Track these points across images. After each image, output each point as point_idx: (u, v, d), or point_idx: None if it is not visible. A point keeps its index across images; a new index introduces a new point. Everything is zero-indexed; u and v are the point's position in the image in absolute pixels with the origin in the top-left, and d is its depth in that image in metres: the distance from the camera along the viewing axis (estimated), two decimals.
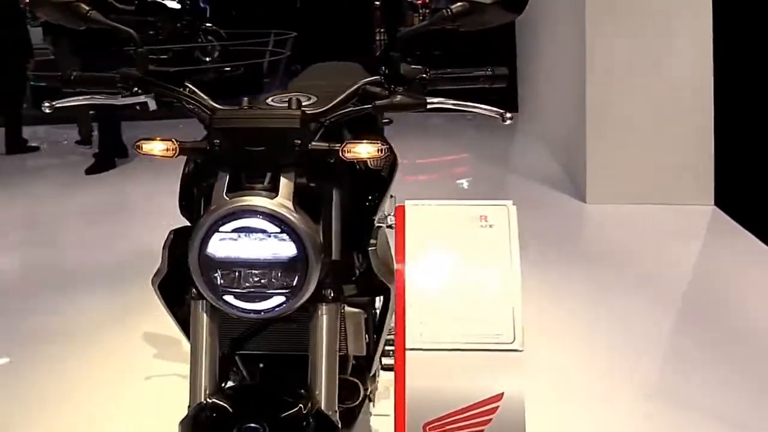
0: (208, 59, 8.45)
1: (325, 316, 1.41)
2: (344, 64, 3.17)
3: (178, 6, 8.80)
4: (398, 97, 1.48)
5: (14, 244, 4.35)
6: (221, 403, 1.41)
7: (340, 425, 1.37)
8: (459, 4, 1.48)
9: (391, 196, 2.92)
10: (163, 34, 8.19)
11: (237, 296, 1.35)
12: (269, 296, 1.35)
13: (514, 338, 1.28)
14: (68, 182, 5.53)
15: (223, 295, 1.35)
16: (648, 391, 2.45)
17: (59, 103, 1.55)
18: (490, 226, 1.35)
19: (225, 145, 1.37)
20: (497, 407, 1.24)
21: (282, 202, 1.33)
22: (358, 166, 1.64)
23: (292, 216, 1.32)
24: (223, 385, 1.53)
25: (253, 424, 1.36)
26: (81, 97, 1.54)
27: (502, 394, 1.25)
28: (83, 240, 4.39)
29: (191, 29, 8.58)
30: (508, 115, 1.50)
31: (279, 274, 1.35)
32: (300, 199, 1.38)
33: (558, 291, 3.28)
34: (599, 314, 3.05)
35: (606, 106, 4.73)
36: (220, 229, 1.31)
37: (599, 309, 3.10)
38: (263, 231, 1.32)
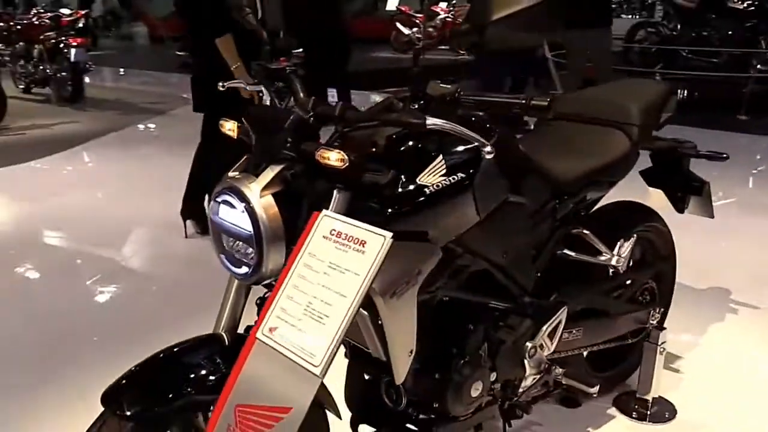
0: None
1: None
2: (646, 83, 2.88)
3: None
4: (398, 115, 1.53)
5: None
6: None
7: None
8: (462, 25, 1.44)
9: None
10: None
11: (226, 257, 1.68)
12: (240, 264, 1.64)
13: (321, 364, 1.28)
14: None
15: (220, 253, 1.69)
16: None
17: (227, 84, 2.05)
18: (363, 252, 1.32)
19: (252, 133, 1.69)
20: (281, 418, 1.28)
21: (254, 186, 1.58)
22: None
23: (254, 198, 1.56)
24: None
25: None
26: (236, 81, 2.03)
27: (291, 408, 1.28)
28: None
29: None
30: (487, 149, 1.42)
31: (244, 247, 1.62)
32: (289, 190, 1.58)
33: None
34: None
35: None
36: (215, 198, 1.65)
37: None
38: (233, 206, 1.60)
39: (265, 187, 1.57)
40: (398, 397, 1.92)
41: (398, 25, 10.25)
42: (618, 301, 2.52)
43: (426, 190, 1.67)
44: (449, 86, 1.54)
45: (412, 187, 1.64)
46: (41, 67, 9.64)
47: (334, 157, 1.49)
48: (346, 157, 1.49)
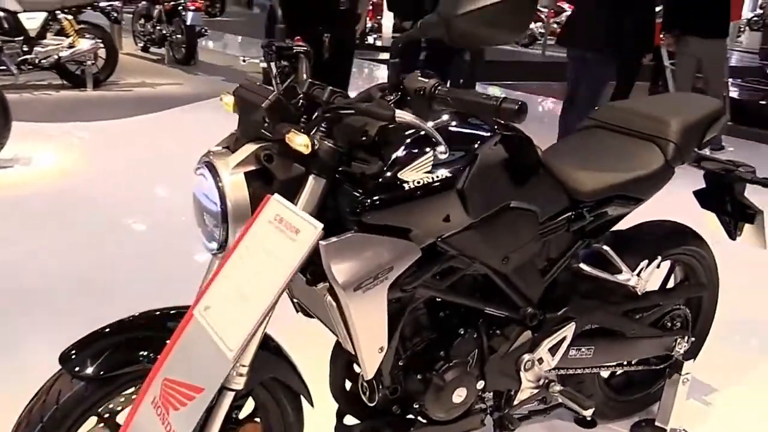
0: None
1: None
2: (697, 98, 2.71)
3: None
4: (369, 105, 1.48)
5: None
6: None
7: None
8: (430, 15, 1.39)
9: None
10: None
11: (203, 231, 1.69)
12: (212, 239, 1.65)
13: (234, 350, 1.27)
14: None
15: (199, 226, 1.71)
16: None
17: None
18: (294, 240, 1.29)
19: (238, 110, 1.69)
20: (194, 397, 1.28)
21: (228, 162, 1.58)
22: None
23: (225, 175, 1.57)
24: None
25: None
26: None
27: (203, 389, 1.27)
28: None
29: None
30: (441, 148, 1.37)
31: (215, 222, 1.62)
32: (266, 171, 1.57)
33: None
34: None
35: None
36: (196, 171, 1.67)
37: None
38: (207, 180, 1.61)
39: (237, 165, 1.57)
40: (372, 393, 1.89)
41: None
42: (638, 324, 2.37)
43: (405, 186, 1.60)
44: (427, 80, 1.48)
45: (391, 181, 1.59)
46: (158, 28, 10.09)
47: (300, 141, 1.47)
48: (310, 142, 1.46)
